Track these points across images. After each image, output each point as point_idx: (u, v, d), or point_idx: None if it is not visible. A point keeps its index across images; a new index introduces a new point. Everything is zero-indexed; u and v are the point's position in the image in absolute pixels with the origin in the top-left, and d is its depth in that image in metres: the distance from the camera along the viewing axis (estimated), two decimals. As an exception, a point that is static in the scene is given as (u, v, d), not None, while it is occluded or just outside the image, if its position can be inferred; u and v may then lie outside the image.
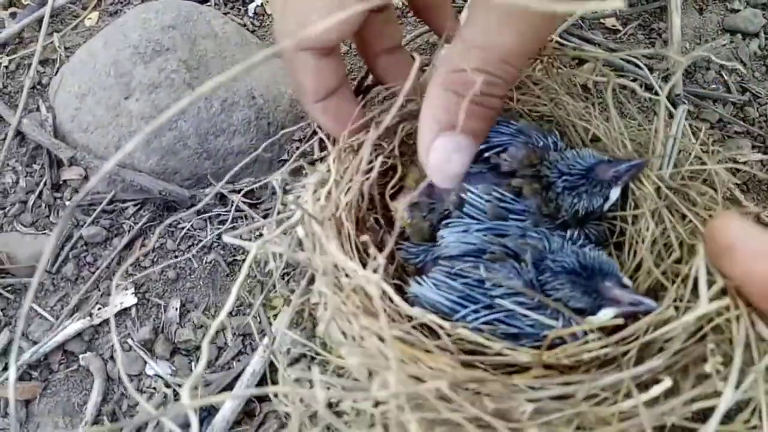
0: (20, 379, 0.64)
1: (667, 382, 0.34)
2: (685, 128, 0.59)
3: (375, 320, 0.37)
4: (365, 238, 0.37)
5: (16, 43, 0.89)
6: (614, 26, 0.86)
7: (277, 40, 0.54)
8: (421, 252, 0.52)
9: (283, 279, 0.65)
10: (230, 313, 0.66)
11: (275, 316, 0.64)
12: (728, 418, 0.36)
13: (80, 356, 0.65)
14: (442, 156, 0.43)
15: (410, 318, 0.42)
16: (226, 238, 0.39)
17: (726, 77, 0.82)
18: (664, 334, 0.38)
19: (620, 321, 0.41)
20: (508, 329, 0.44)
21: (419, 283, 0.49)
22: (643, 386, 0.36)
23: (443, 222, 0.52)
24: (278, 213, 0.53)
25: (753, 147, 0.76)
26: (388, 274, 0.53)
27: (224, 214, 0.72)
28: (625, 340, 0.40)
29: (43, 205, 0.75)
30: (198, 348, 0.66)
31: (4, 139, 0.78)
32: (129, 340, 0.66)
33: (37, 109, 0.80)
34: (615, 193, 0.51)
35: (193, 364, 0.65)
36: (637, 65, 0.76)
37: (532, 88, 0.60)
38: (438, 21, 0.60)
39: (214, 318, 0.65)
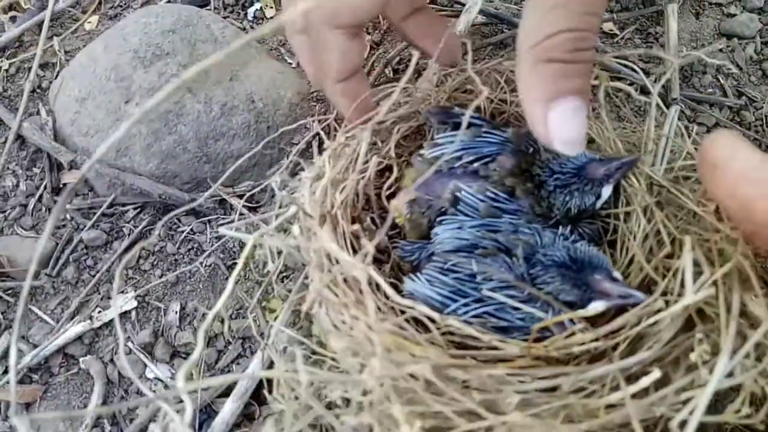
0: (21, 382, 0.64)
1: (655, 373, 0.34)
2: (678, 128, 0.60)
3: (365, 312, 0.37)
4: (355, 227, 0.38)
5: (16, 47, 0.90)
6: (611, 30, 0.87)
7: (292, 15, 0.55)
8: (417, 249, 0.53)
9: (282, 282, 0.65)
10: (230, 316, 0.67)
11: (275, 319, 0.64)
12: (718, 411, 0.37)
13: (80, 359, 0.65)
14: (561, 125, 0.42)
15: (402, 312, 0.42)
16: (223, 230, 0.39)
17: (722, 81, 0.82)
18: (654, 325, 0.38)
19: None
20: (498, 322, 0.44)
21: (413, 280, 0.49)
22: (634, 378, 0.36)
23: (438, 219, 0.52)
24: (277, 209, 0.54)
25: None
26: (384, 272, 0.53)
27: (224, 218, 0.72)
28: (614, 333, 0.40)
29: (44, 208, 0.75)
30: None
31: (5, 142, 0.79)
32: (129, 344, 0.66)
33: (38, 112, 0.81)
34: (607, 191, 0.51)
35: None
36: (633, 69, 0.77)
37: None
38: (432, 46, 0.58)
39: (215, 321, 0.65)
